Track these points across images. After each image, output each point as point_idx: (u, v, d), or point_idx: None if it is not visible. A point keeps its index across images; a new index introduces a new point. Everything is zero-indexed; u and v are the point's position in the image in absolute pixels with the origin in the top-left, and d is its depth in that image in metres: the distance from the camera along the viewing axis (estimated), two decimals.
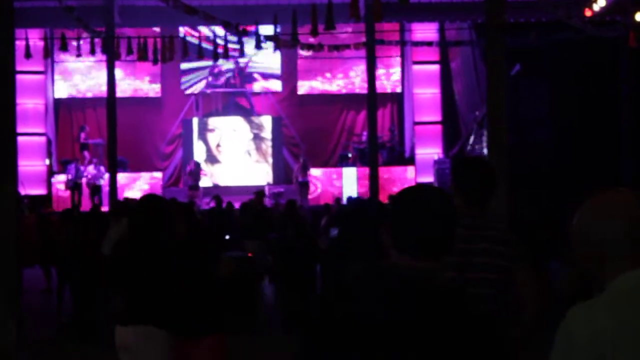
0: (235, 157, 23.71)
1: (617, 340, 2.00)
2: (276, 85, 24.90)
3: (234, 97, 24.55)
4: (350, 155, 23.37)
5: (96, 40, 18.92)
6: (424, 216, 2.30)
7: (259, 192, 16.63)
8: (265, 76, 24.75)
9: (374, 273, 2.29)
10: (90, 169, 20.93)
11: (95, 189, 20.46)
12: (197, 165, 22.43)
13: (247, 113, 24.35)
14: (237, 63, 23.92)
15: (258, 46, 18.74)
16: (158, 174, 22.83)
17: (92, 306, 10.28)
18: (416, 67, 24.48)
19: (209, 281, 5.62)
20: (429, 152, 23.81)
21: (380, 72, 23.28)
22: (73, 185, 20.87)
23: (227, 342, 5.67)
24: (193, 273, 5.51)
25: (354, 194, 20.82)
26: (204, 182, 22.91)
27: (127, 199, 13.90)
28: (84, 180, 21.00)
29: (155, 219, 5.27)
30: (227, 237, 14.34)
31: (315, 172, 22.45)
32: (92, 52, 18.98)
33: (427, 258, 2.29)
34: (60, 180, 21.65)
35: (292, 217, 12.07)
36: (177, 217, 5.61)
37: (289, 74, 24.89)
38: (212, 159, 23.68)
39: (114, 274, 5.44)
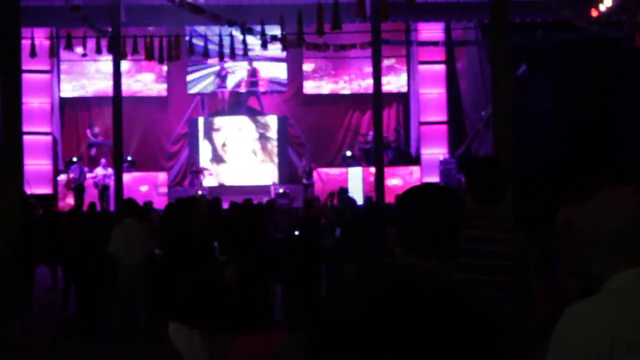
0: (241, 156, 23.71)
1: (613, 340, 1.98)
2: (282, 85, 24.90)
3: (244, 97, 24.52)
4: (349, 154, 23.30)
5: (102, 39, 18.95)
6: (427, 215, 2.31)
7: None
8: (271, 76, 24.73)
9: (377, 272, 2.30)
10: (99, 170, 20.92)
11: (104, 190, 20.43)
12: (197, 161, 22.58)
13: (253, 113, 24.35)
14: (250, 63, 23.89)
15: (264, 46, 18.73)
16: (163, 174, 22.82)
17: (97, 304, 10.31)
18: (422, 67, 24.44)
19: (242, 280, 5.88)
20: (435, 152, 23.79)
21: (385, 71, 23.26)
22: (75, 186, 20.83)
23: (281, 340, 5.85)
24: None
25: (360, 194, 20.78)
26: (209, 182, 22.92)
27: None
28: (88, 181, 20.97)
29: (186, 214, 5.58)
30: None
31: (320, 172, 22.44)
32: (98, 51, 19.03)
33: (430, 256, 2.30)
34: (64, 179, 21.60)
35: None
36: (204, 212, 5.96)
37: (295, 74, 24.88)
38: (217, 158, 23.68)
39: (165, 273, 5.71)
